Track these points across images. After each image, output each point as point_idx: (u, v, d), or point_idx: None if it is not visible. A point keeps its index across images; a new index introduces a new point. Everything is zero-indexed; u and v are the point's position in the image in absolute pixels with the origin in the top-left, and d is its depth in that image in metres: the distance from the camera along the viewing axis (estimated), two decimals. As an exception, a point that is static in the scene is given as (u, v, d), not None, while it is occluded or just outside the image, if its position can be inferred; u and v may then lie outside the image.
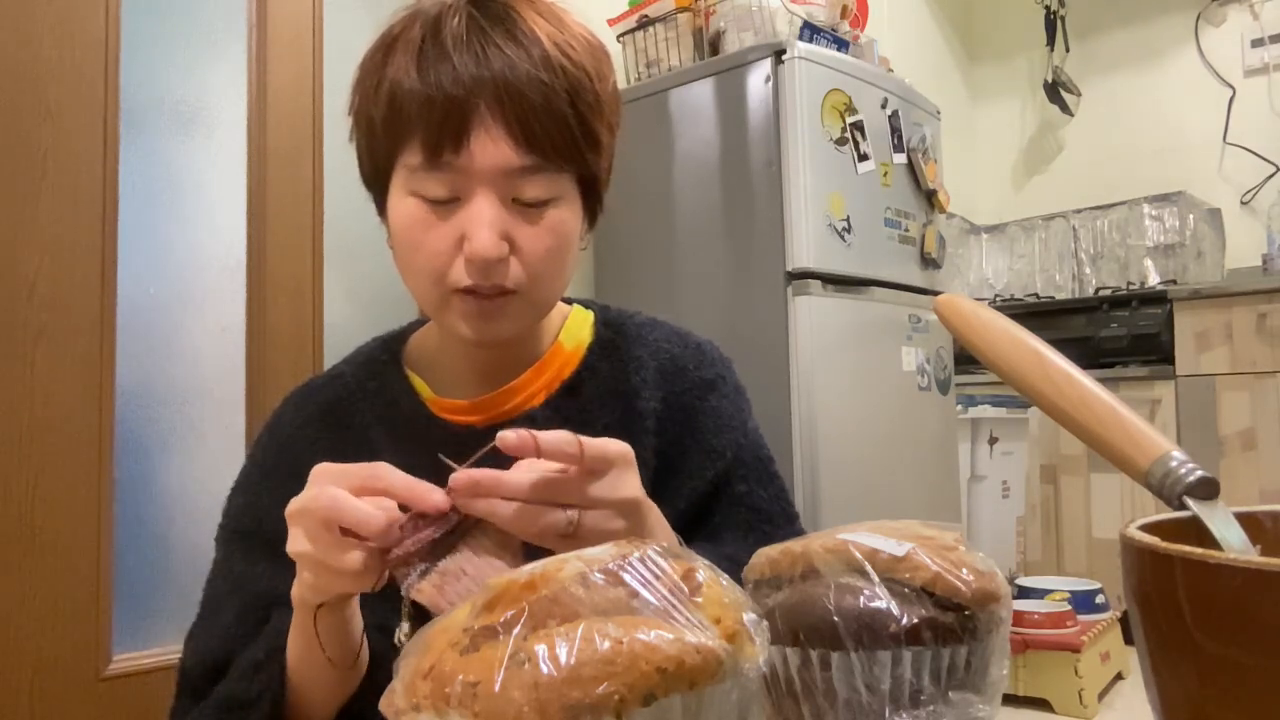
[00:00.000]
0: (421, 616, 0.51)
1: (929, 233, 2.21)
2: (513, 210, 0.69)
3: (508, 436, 0.52)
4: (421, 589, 0.52)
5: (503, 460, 0.54)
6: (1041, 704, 0.96)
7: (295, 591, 0.58)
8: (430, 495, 0.53)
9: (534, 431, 0.53)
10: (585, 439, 0.55)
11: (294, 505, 0.54)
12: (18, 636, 1.46)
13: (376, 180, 0.74)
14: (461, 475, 0.53)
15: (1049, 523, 2.92)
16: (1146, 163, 3.38)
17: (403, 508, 0.53)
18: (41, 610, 1.49)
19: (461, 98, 0.66)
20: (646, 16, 2.22)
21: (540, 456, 0.53)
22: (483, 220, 0.67)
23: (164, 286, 1.72)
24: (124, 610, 1.60)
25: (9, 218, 1.50)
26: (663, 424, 0.80)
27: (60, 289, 1.54)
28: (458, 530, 0.53)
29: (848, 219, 1.97)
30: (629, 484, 0.58)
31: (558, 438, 0.53)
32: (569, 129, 0.69)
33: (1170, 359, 2.75)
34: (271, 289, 1.81)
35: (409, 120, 0.67)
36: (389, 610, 0.67)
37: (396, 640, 0.54)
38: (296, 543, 0.54)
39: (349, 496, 0.52)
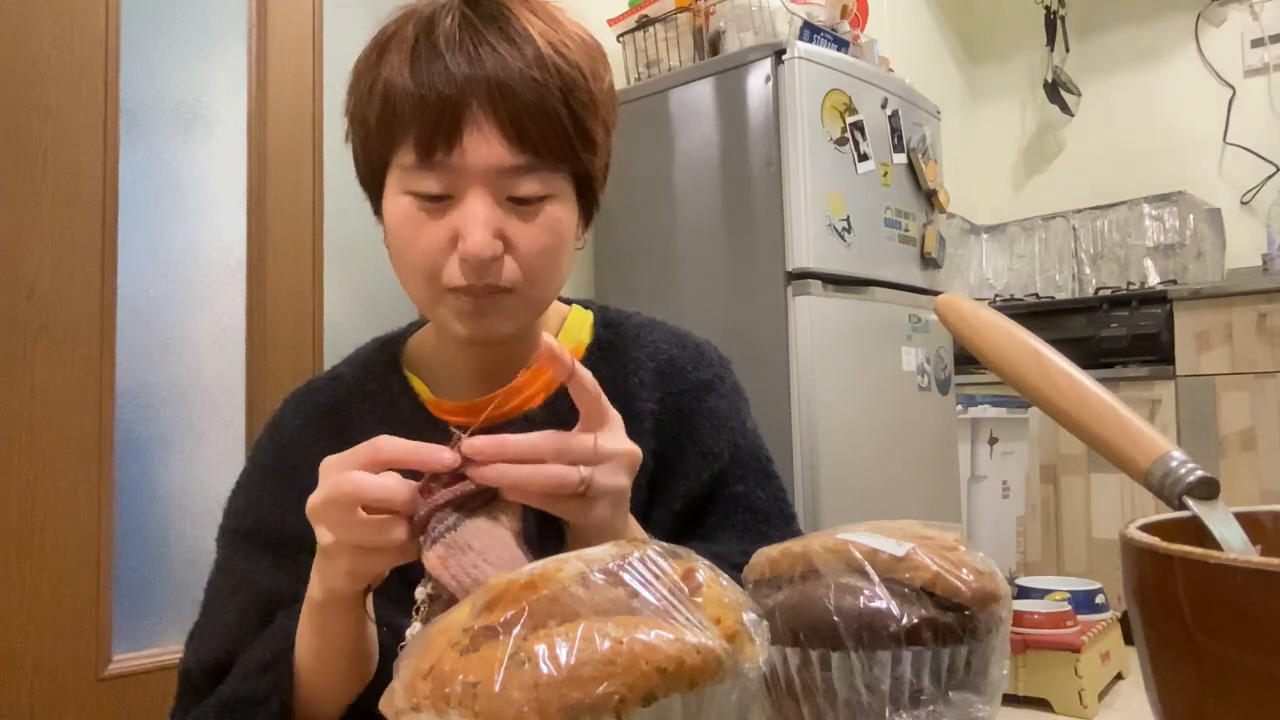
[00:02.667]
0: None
1: (929, 233, 2.21)
2: (507, 208, 0.69)
3: (552, 345, 0.56)
4: (428, 558, 0.52)
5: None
6: (1041, 704, 0.96)
7: (320, 590, 0.58)
8: (439, 454, 0.53)
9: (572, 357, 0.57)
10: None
11: (315, 500, 0.54)
12: (18, 636, 1.46)
13: (372, 180, 0.74)
14: (481, 440, 0.54)
15: (1049, 523, 2.92)
16: (1146, 163, 3.38)
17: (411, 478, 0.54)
18: (41, 610, 1.49)
19: (454, 97, 0.66)
20: (646, 16, 2.22)
21: (571, 378, 0.57)
22: (476, 219, 0.67)
23: (164, 286, 1.72)
24: (124, 610, 1.60)
25: (9, 218, 1.50)
26: (660, 425, 0.80)
27: (60, 289, 1.54)
28: (468, 505, 0.54)
29: (848, 219, 1.97)
30: (626, 439, 0.60)
31: (586, 371, 0.58)
32: (563, 127, 0.69)
33: (1170, 359, 2.74)
34: (271, 289, 1.81)
35: (402, 120, 0.67)
36: (389, 605, 0.67)
37: (417, 597, 0.55)
38: (329, 536, 0.54)
39: (368, 475, 0.53)
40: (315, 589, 0.58)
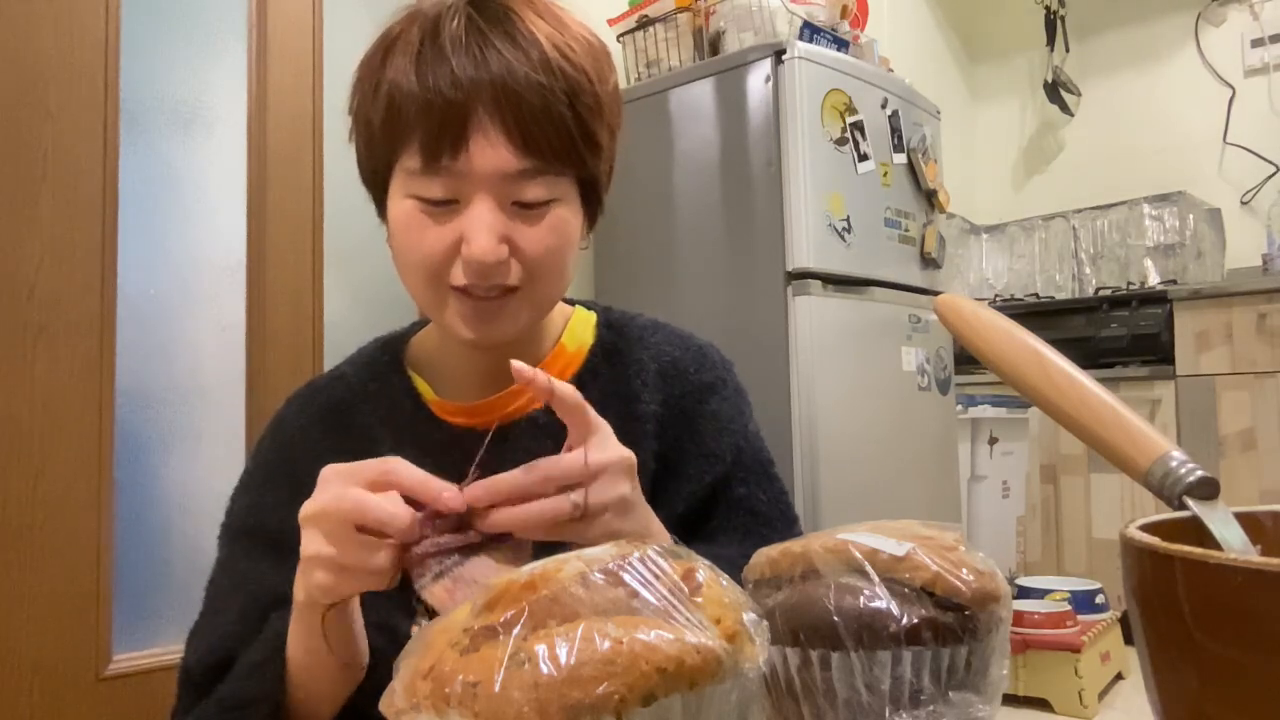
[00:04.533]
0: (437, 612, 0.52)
1: (929, 233, 2.21)
2: (511, 213, 0.69)
3: (522, 369, 0.54)
4: (434, 591, 0.52)
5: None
6: (1041, 704, 0.96)
7: (301, 593, 0.58)
8: (442, 494, 0.53)
9: (547, 375, 0.56)
10: None
11: (310, 508, 0.54)
12: (18, 636, 1.46)
13: (375, 181, 0.74)
14: (478, 488, 0.53)
15: (1049, 523, 2.92)
16: (1146, 163, 3.38)
17: (414, 504, 0.54)
18: (41, 610, 1.49)
19: (460, 101, 0.66)
20: (646, 16, 2.22)
21: (552, 397, 0.56)
22: (481, 224, 0.67)
23: (164, 286, 1.72)
24: (124, 610, 1.60)
25: (9, 218, 1.50)
26: (663, 427, 0.80)
27: (60, 289, 1.54)
28: (472, 542, 0.54)
29: (848, 219, 1.97)
30: (618, 445, 0.59)
31: (566, 385, 0.57)
32: (568, 132, 0.68)
33: (1170, 359, 2.74)
34: (271, 289, 1.81)
35: (407, 123, 0.67)
36: (391, 608, 0.67)
37: (414, 634, 0.54)
38: (314, 545, 0.54)
39: (371, 495, 0.52)
40: (297, 591, 0.58)
